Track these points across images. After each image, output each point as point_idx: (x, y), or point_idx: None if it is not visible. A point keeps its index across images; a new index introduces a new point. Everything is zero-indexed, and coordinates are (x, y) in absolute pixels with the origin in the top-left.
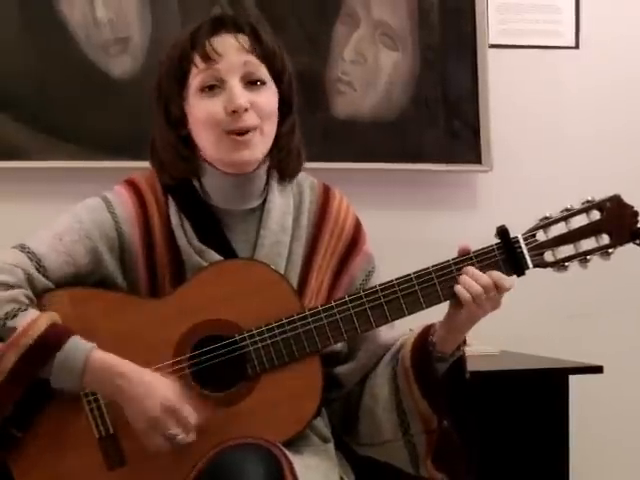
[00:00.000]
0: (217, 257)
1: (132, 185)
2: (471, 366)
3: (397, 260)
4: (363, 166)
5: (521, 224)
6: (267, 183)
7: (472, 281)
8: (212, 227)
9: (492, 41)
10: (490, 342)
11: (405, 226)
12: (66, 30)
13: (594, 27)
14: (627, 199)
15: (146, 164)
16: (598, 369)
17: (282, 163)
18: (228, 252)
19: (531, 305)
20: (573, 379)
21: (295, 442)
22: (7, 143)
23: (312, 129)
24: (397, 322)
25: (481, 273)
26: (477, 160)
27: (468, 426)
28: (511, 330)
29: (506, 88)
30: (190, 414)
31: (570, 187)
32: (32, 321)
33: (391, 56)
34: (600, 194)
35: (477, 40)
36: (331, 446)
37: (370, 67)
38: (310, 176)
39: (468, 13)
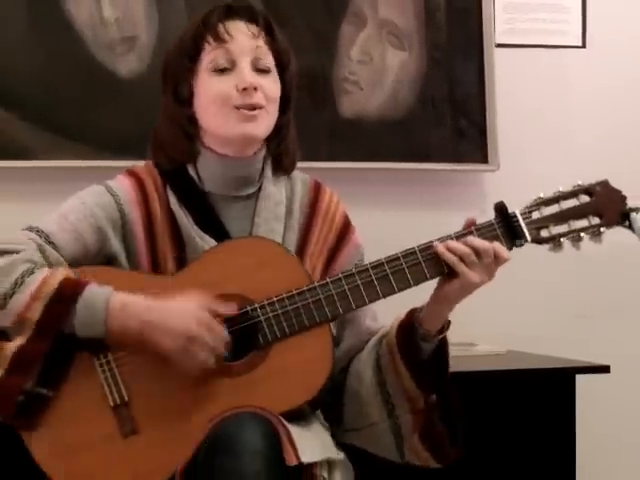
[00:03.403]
0: (215, 243)
1: (132, 174)
2: (478, 365)
3: None
4: (369, 165)
5: None
6: (262, 172)
7: (459, 244)
8: (209, 215)
9: (499, 40)
10: (497, 341)
11: (412, 225)
12: (73, 29)
13: (601, 26)
14: (634, 198)
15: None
16: (605, 369)
17: (278, 156)
18: (224, 239)
19: (538, 305)
20: (580, 379)
21: (297, 418)
22: (14, 142)
23: (318, 128)
24: (380, 317)
25: (478, 239)
26: (484, 159)
27: (452, 402)
28: (518, 330)
29: (513, 87)
30: (219, 325)
31: None
32: (50, 273)
33: (398, 55)
34: None
35: (484, 39)
36: (329, 434)
37: (377, 66)
38: (301, 172)
39: (475, 12)
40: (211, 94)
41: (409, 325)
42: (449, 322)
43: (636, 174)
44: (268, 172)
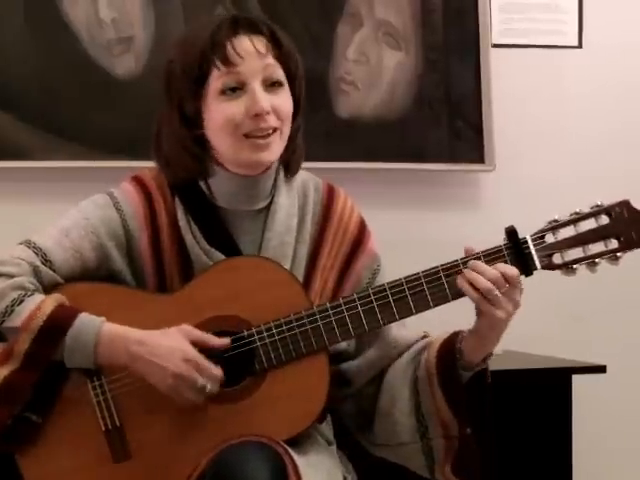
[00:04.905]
0: (223, 258)
1: (139, 182)
2: None
3: (400, 260)
4: (366, 166)
5: (524, 223)
6: (274, 184)
7: (478, 275)
8: (218, 228)
9: (495, 41)
10: None
11: (408, 226)
12: (69, 30)
13: (597, 26)
14: (630, 199)
15: (150, 164)
16: (601, 369)
17: (288, 161)
18: (234, 253)
19: (535, 305)
20: (576, 379)
21: (300, 441)
22: (11, 143)
23: (315, 128)
24: (409, 322)
25: (487, 266)
26: (480, 160)
27: (486, 434)
28: (514, 330)
29: (509, 88)
30: (211, 364)
31: (573, 186)
32: (40, 303)
33: (394, 56)
34: (603, 194)
35: (480, 40)
36: (334, 448)
37: (373, 67)
38: (315, 177)
39: (471, 13)
40: (220, 121)
41: (450, 352)
42: (491, 352)
43: (632, 174)
44: (281, 184)
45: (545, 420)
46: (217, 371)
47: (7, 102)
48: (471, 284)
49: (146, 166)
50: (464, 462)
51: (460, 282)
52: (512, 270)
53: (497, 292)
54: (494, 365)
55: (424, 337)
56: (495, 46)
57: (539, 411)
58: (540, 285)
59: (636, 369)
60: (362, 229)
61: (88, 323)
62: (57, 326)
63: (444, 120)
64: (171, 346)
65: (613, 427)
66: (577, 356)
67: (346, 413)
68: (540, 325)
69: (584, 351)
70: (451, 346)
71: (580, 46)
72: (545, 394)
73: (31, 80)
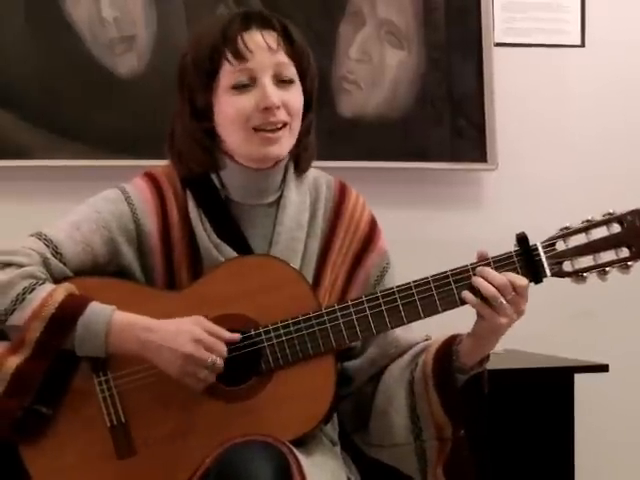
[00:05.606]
0: (233, 253)
1: (151, 178)
2: None
3: (402, 259)
4: (368, 164)
5: (526, 222)
6: (284, 179)
7: (484, 281)
8: (229, 222)
9: (497, 40)
10: None
11: (410, 224)
12: (71, 29)
13: (600, 25)
14: (632, 198)
15: (152, 162)
16: (604, 368)
17: (298, 158)
18: (244, 248)
19: (536, 303)
20: (579, 378)
21: (304, 441)
22: (13, 142)
23: (317, 127)
24: (414, 325)
25: (495, 272)
26: (482, 158)
27: (480, 439)
28: (516, 329)
29: (511, 87)
30: (217, 341)
31: (575, 185)
32: (51, 291)
33: (397, 55)
34: (605, 193)
35: (482, 39)
36: (338, 449)
37: (375, 66)
38: (327, 174)
39: (473, 12)
40: (231, 114)
41: (446, 354)
42: (488, 356)
43: (634, 173)
44: (290, 179)
45: (547, 419)
46: (223, 346)
47: (9, 101)
48: (475, 290)
49: (147, 165)
50: (456, 464)
51: (465, 296)
52: (521, 280)
53: (502, 299)
54: (496, 364)
55: (426, 340)
56: (497, 45)
57: (541, 410)
58: (543, 283)
59: (639, 368)
60: (373, 227)
61: (99, 312)
62: (68, 314)
63: (446, 119)
64: (179, 329)
65: (616, 426)
66: (579, 355)
67: (343, 411)
68: (542, 324)
69: (586, 350)
70: (448, 348)
71: (582, 45)
72: (547, 393)
73: (33, 80)
